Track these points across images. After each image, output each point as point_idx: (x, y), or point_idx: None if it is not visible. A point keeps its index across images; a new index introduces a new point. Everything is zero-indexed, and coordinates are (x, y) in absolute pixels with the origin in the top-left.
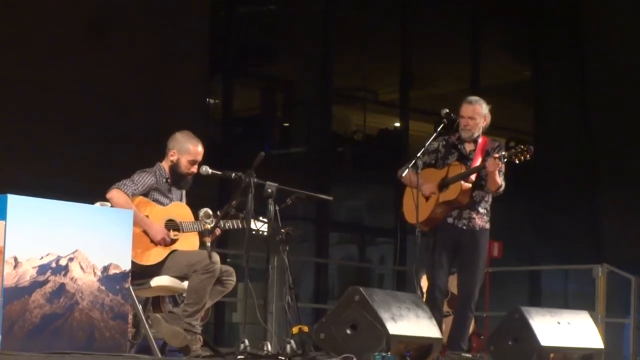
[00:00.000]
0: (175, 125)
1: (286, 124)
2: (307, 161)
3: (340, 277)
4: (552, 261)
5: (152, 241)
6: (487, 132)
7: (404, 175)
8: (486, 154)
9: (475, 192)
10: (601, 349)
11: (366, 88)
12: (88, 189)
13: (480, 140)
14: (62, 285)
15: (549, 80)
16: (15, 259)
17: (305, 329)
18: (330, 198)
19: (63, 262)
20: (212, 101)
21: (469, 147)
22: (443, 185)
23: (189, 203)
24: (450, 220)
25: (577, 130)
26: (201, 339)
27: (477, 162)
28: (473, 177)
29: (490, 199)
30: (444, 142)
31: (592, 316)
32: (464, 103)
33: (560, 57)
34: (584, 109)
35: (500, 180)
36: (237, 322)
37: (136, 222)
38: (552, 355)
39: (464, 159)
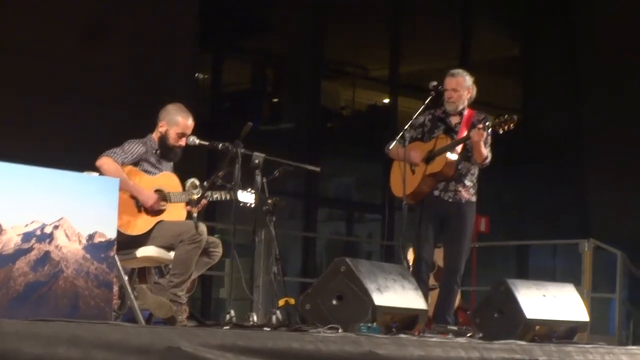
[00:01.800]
0: (164, 101)
1: (275, 100)
2: (296, 137)
3: (328, 254)
4: (539, 237)
5: (139, 210)
6: (475, 107)
7: (390, 148)
8: (472, 126)
9: (461, 165)
10: (586, 321)
11: (356, 63)
12: (76, 161)
13: (465, 112)
14: (47, 253)
15: (539, 57)
16: (0, 226)
17: (292, 301)
18: (318, 169)
19: (48, 230)
20: (201, 76)
21: (454, 120)
22: (429, 158)
23: (177, 175)
24: (436, 192)
25: (566, 107)
26: (187, 309)
27: (463, 134)
28: (459, 149)
29: (476, 172)
30: (430, 116)
31: (578, 291)
32: (447, 76)
33: (550, 33)
34: (573, 85)
35: (486, 151)
36: (224, 297)
37: (126, 189)
38: (537, 327)
39: (450, 131)
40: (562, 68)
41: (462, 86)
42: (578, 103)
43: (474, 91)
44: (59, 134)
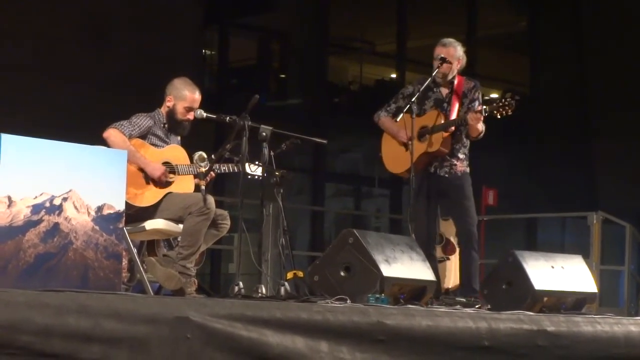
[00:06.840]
0: (171, 77)
1: (282, 75)
2: (303, 112)
3: (337, 228)
4: (547, 211)
5: (147, 182)
6: (482, 82)
7: (380, 120)
8: (463, 96)
9: (454, 139)
10: (595, 292)
11: (363, 39)
12: (84, 137)
13: (455, 81)
14: (56, 224)
15: (545, 31)
16: (9, 198)
17: (300, 274)
18: (325, 141)
19: (57, 202)
20: (207, 52)
21: (444, 90)
22: (422, 134)
23: (185, 149)
24: (431, 169)
25: (573, 80)
26: (196, 282)
27: (455, 106)
28: (453, 127)
29: (468, 144)
30: (419, 87)
31: (587, 263)
32: (437, 45)
33: (557, 7)
34: (580, 59)
35: (481, 127)
36: (233, 272)
37: (133, 161)
38: (545, 298)
39: (441, 102)
40: (568, 41)
41: (453, 56)
42: (585, 76)
43: (464, 61)
44: (66, 113)
